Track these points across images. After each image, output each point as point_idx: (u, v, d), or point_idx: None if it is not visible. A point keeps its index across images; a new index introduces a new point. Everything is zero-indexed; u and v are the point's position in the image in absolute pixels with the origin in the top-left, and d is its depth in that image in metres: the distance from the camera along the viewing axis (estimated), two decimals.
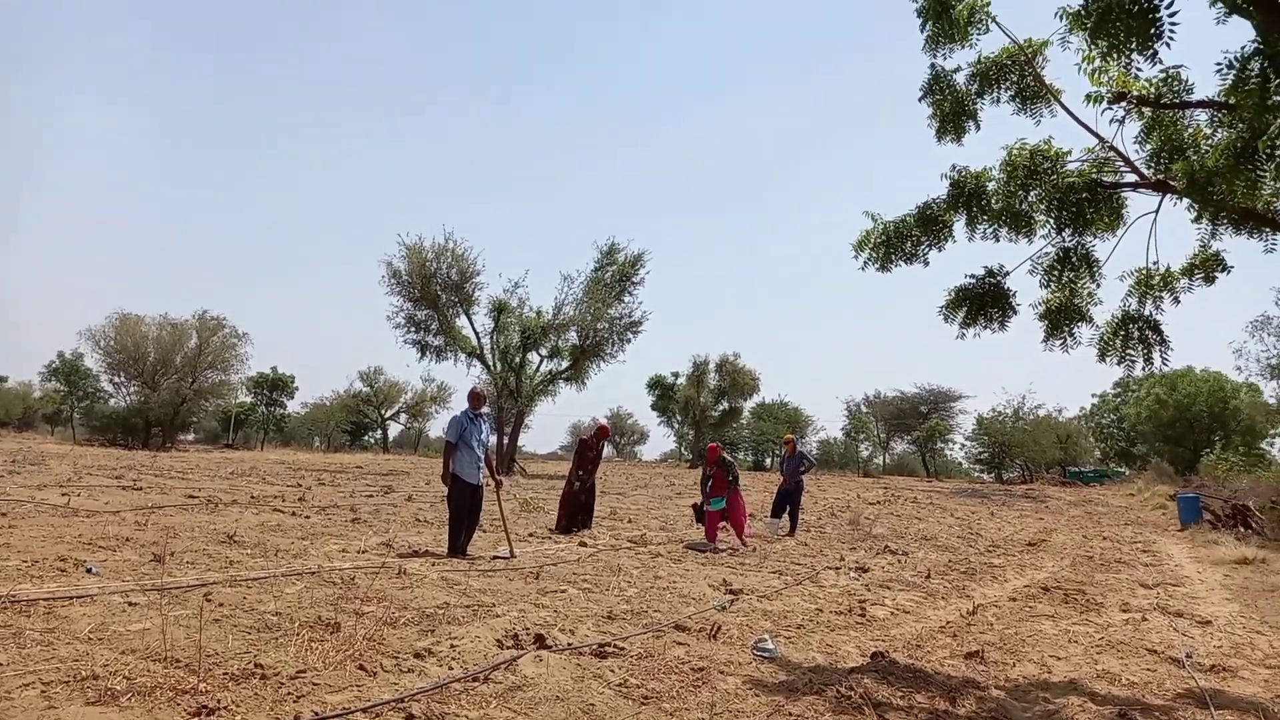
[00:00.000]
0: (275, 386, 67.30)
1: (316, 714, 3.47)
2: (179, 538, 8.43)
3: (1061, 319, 6.64)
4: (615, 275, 37.70)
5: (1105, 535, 15.73)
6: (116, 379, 50.52)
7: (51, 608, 4.96)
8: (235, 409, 62.93)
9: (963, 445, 62.64)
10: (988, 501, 25.95)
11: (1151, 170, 6.22)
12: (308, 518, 11.39)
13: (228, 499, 13.41)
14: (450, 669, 4.43)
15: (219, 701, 3.52)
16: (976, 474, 60.52)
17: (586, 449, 12.77)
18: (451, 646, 4.84)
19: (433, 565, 7.77)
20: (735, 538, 11.50)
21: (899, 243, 6.89)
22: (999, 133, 6.78)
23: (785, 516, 13.50)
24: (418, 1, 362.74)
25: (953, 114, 6.75)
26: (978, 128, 6.83)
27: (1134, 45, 4.53)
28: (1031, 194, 6.51)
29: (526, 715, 3.81)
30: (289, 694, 3.77)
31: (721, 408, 59.50)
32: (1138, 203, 6.60)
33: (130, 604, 5.26)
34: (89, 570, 6.40)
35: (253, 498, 14.07)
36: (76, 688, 3.58)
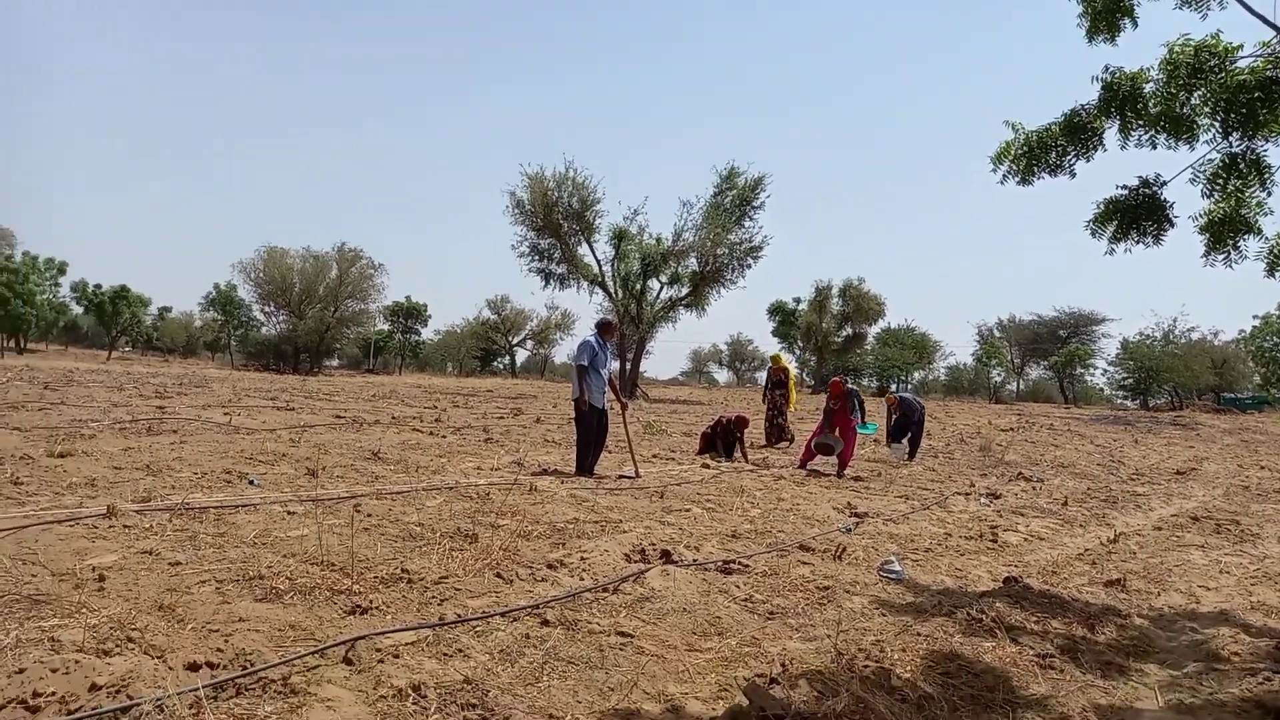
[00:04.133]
0: (410, 314, 70.26)
1: (459, 615, 3.68)
2: (329, 454, 9.01)
3: (1226, 231, 6.09)
4: (735, 200, 37.11)
5: (1263, 464, 14.70)
6: (267, 308, 54.04)
7: (220, 515, 5.41)
8: (374, 336, 66.21)
9: (1105, 371, 59.38)
10: (1131, 429, 24.60)
11: None
12: (444, 437, 11.94)
13: (371, 419, 14.20)
14: (581, 579, 4.60)
15: (371, 602, 3.78)
16: (1120, 401, 57.32)
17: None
18: (581, 559, 5.02)
19: (562, 483, 8.04)
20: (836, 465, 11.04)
21: (1043, 153, 6.43)
22: (1158, 30, 6.16)
23: (906, 441, 13.22)
24: None
25: (1106, 10, 6.16)
26: (1135, 25, 6.23)
27: None
28: (1195, 95, 5.92)
29: (655, 625, 3.93)
30: (433, 597, 4.01)
31: (845, 334, 58.24)
32: None
33: (289, 513, 5.67)
34: (251, 482, 6.93)
35: (393, 418, 14.84)
36: (245, 586, 3.92)
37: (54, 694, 2.53)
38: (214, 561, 4.29)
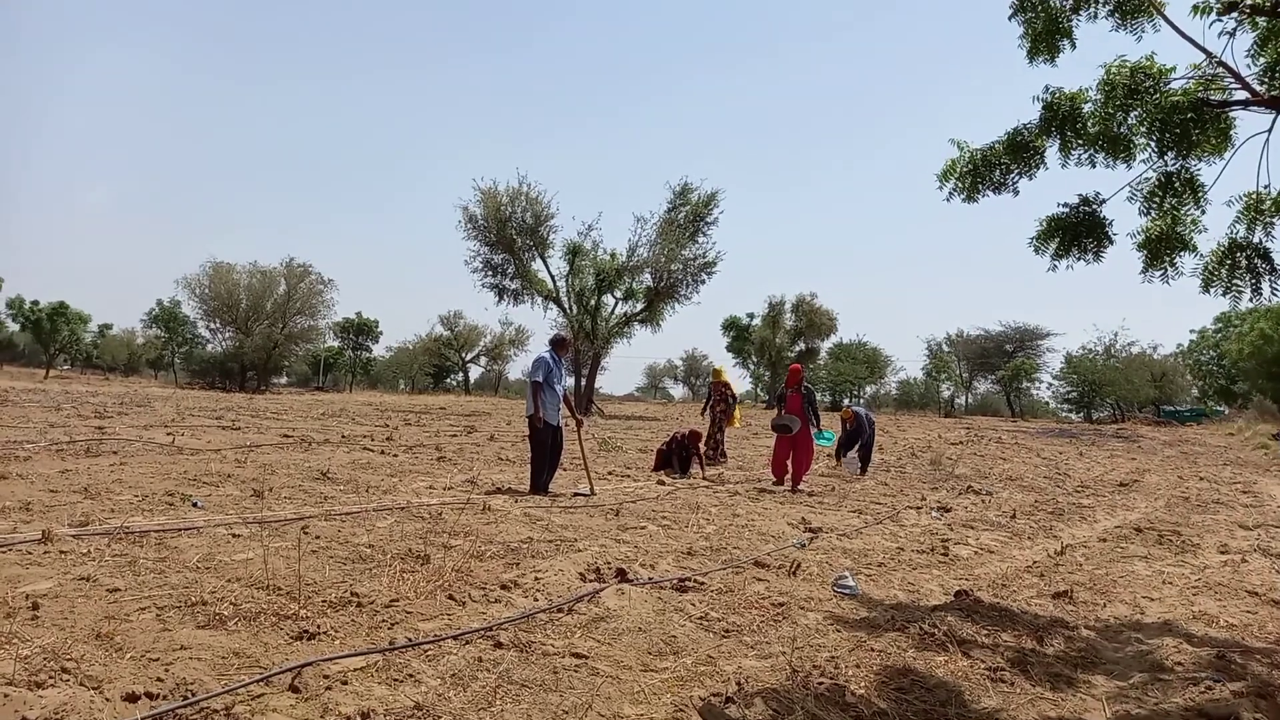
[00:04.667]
0: (361, 331, 69.27)
1: (410, 640, 3.62)
2: (276, 474, 8.82)
3: (1162, 248, 6.27)
4: (689, 215, 37.38)
5: (1202, 475, 15.13)
6: (212, 325, 52.72)
7: (162, 539, 5.25)
8: (324, 353, 65.11)
9: (1050, 384, 60.89)
10: (1076, 441, 25.19)
11: (1265, 87, 5.76)
12: (395, 456, 11.77)
13: (320, 438, 13.95)
14: (535, 600, 4.55)
15: (319, 627, 3.69)
16: (1064, 414, 58.71)
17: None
18: (536, 579, 4.97)
19: (516, 502, 7.97)
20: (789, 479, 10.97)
21: (987, 171, 6.58)
22: (1096, 52, 6.35)
23: (856, 454, 13.36)
24: None
25: (1046, 32, 6.34)
26: (1073, 46, 6.42)
27: None
28: (1131, 115, 6.11)
29: (610, 645, 3.90)
30: (383, 621, 3.93)
31: (798, 348, 58.86)
32: (1248, 122, 6.13)
33: (234, 535, 5.53)
34: (194, 504, 6.75)
35: (343, 437, 14.60)
36: (188, 612, 3.80)
37: None
38: (155, 587, 4.16)
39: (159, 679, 2.96)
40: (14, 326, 59.62)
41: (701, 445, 12.36)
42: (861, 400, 63.45)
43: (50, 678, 2.86)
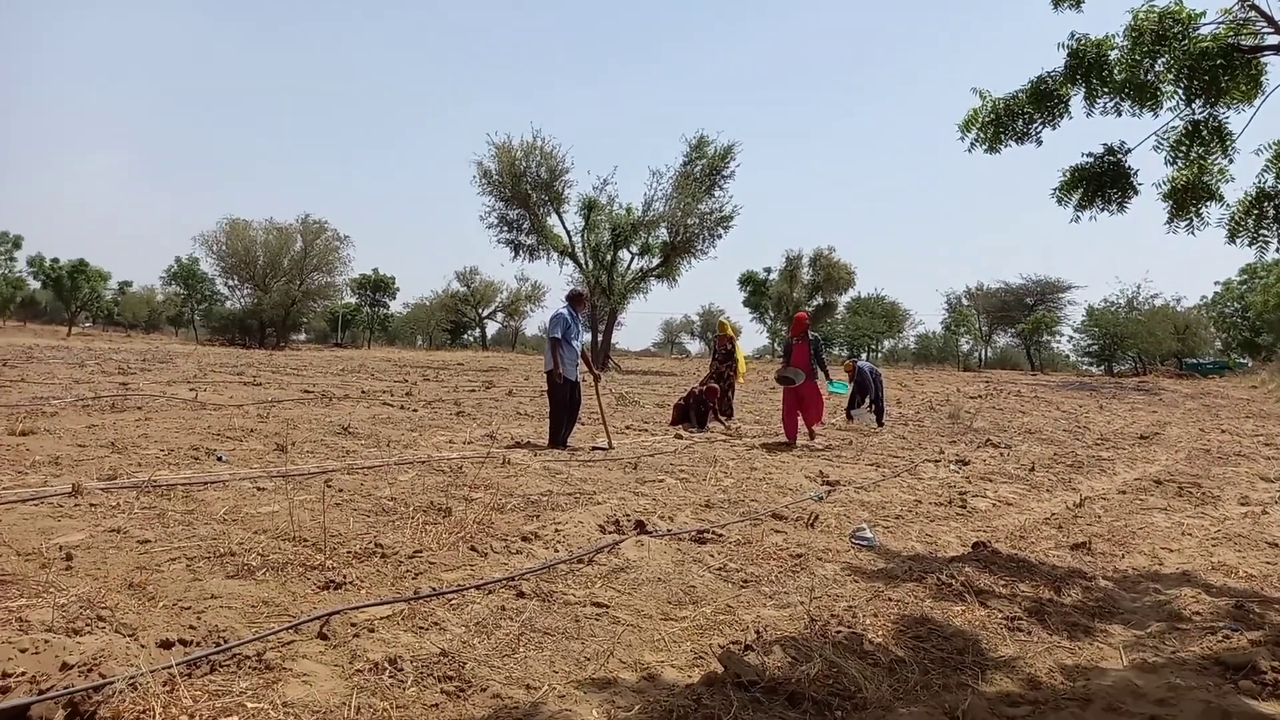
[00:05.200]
0: (378, 287, 69.45)
1: (434, 589, 3.68)
2: (298, 429, 8.92)
3: (1188, 198, 6.17)
4: (705, 169, 37.03)
5: (1224, 428, 15.04)
6: (230, 282, 52.94)
7: (189, 492, 5.34)
8: (342, 309, 65.42)
9: (1071, 338, 60.39)
10: (1096, 395, 25.04)
11: None
12: (415, 411, 11.87)
13: (340, 394, 14.07)
14: (556, 551, 4.61)
15: (344, 577, 3.76)
16: (1085, 367, 58.29)
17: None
18: (556, 531, 5.03)
19: (535, 455, 8.03)
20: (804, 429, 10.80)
21: (1009, 121, 6.47)
22: None
23: (868, 408, 13.36)
24: None
25: None
26: None
27: None
28: (1159, 62, 5.96)
29: (630, 595, 3.96)
30: (408, 571, 4.00)
31: (816, 303, 58.50)
32: (1279, 68, 5.99)
33: (259, 489, 5.61)
34: (219, 458, 6.85)
35: (363, 392, 14.72)
36: (216, 563, 3.88)
37: (24, 674, 2.49)
38: (184, 539, 4.24)
39: (191, 627, 3.03)
40: (35, 284, 60.19)
41: (719, 401, 12.38)
42: (866, 355, 63.22)
43: (87, 625, 2.93)
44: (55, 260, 56.95)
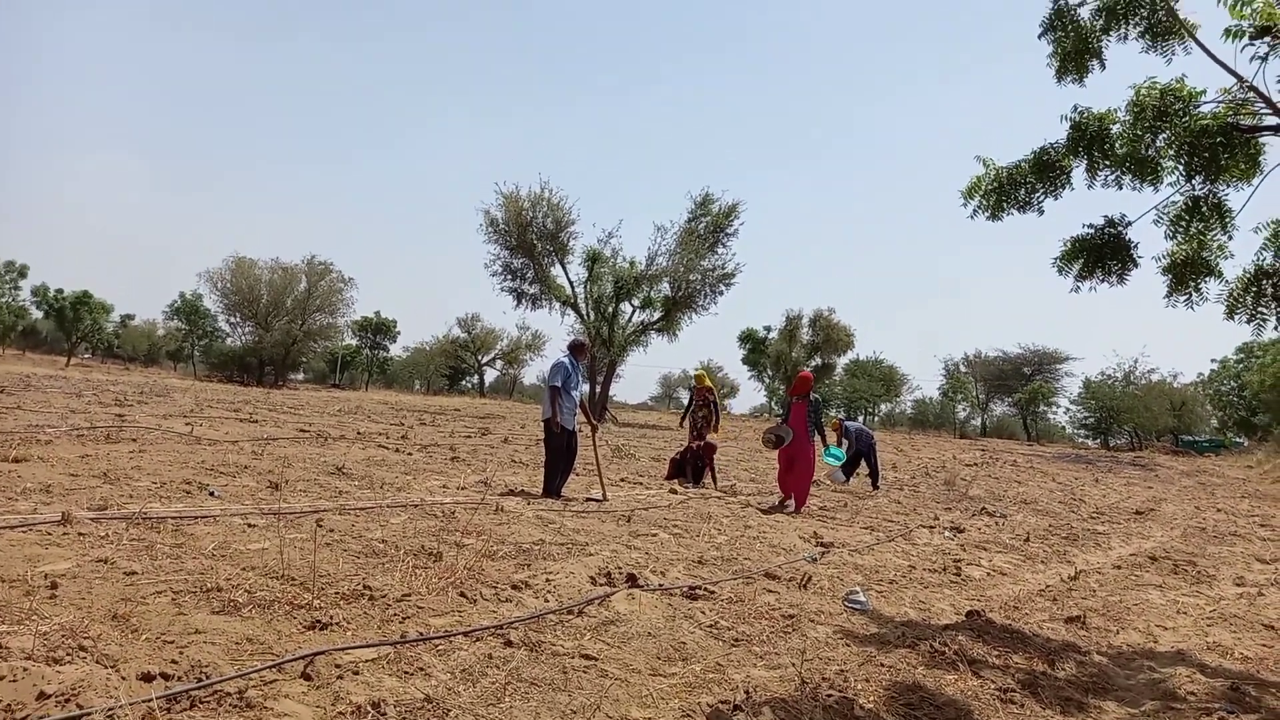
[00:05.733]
0: (379, 330, 69.61)
1: (421, 634, 3.64)
2: (292, 467, 8.87)
3: (1187, 273, 6.23)
4: (709, 226, 37.45)
5: (1219, 507, 14.96)
6: (232, 319, 53.16)
7: (179, 525, 5.30)
8: (341, 350, 65.46)
9: (1067, 409, 60.34)
10: (1092, 467, 24.96)
11: None
12: (410, 454, 11.82)
13: (336, 434, 14.02)
14: (546, 601, 4.56)
15: (331, 617, 3.72)
16: (1081, 439, 58.18)
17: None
18: (547, 580, 4.98)
19: (528, 504, 7.98)
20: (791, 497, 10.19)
21: (1012, 190, 6.56)
22: (1125, 73, 6.32)
23: (841, 469, 13.35)
24: None
25: (1075, 52, 6.31)
26: (1103, 67, 6.39)
27: None
28: (1160, 138, 6.08)
29: (620, 648, 3.91)
30: (395, 614, 3.95)
31: (814, 363, 58.58)
32: (1277, 148, 6.11)
33: (249, 525, 5.57)
34: (211, 493, 6.80)
35: (359, 434, 14.67)
36: (203, 598, 3.83)
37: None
38: (171, 572, 4.20)
39: (174, 660, 2.99)
40: (38, 314, 60.34)
41: (715, 458, 12.32)
42: (862, 419, 63.13)
43: (68, 655, 2.89)
44: (59, 291, 57.21)
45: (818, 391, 10.55)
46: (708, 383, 13.13)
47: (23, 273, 56.11)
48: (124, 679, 2.76)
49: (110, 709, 2.43)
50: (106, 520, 5.13)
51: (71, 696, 2.52)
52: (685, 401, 13.74)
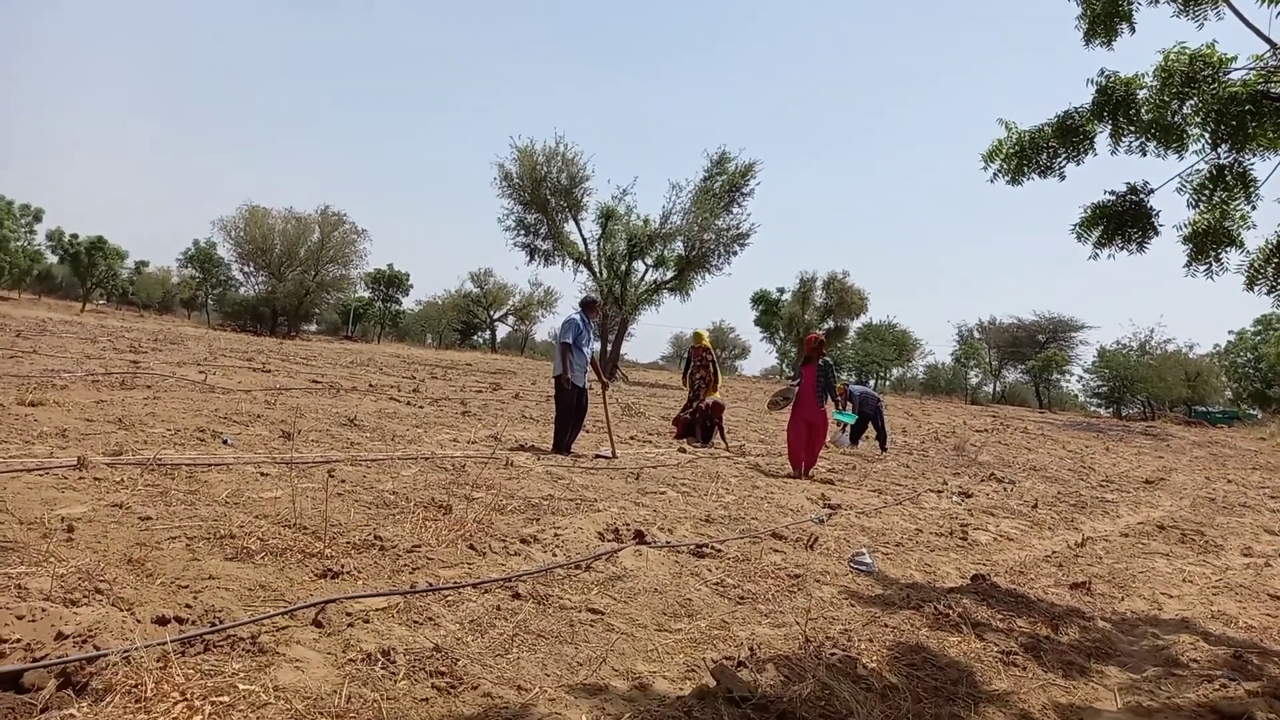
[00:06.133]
0: (391, 283, 69.60)
1: (431, 584, 3.68)
2: (305, 418, 8.94)
3: (1209, 242, 6.13)
4: (724, 185, 37.03)
5: (1230, 478, 14.93)
6: (246, 268, 53.22)
7: (193, 472, 5.36)
8: (354, 302, 65.57)
9: (1080, 377, 60.10)
10: (1103, 436, 24.92)
11: None
12: (421, 408, 11.89)
13: (348, 385, 14.11)
14: (554, 555, 4.61)
15: (342, 566, 3.77)
16: (1093, 408, 58.03)
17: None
18: (555, 535, 5.03)
19: (538, 459, 8.03)
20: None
21: (1034, 154, 6.44)
22: (1154, 37, 6.17)
23: (846, 434, 13.42)
24: None
25: (1104, 13, 6.16)
26: (1132, 30, 6.24)
27: None
28: (1187, 104, 5.95)
29: (626, 603, 3.95)
30: (405, 565, 4.00)
31: (826, 326, 58.30)
32: None
33: (262, 474, 5.63)
34: (225, 441, 6.87)
35: (371, 386, 14.75)
36: (216, 544, 3.88)
37: (19, 640, 2.50)
38: (185, 518, 4.25)
39: (188, 605, 3.03)
40: (53, 259, 60.53)
41: (724, 417, 12.34)
42: (873, 383, 62.97)
43: (84, 597, 2.94)
44: (74, 236, 57.28)
45: (829, 354, 10.18)
46: (705, 342, 12.89)
47: (38, 216, 56.17)
48: (139, 622, 2.81)
49: (126, 651, 2.47)
50: (121, 465, 5.19)
51: (89, 638, 2.56)
52: (685, 359, 13.48)
